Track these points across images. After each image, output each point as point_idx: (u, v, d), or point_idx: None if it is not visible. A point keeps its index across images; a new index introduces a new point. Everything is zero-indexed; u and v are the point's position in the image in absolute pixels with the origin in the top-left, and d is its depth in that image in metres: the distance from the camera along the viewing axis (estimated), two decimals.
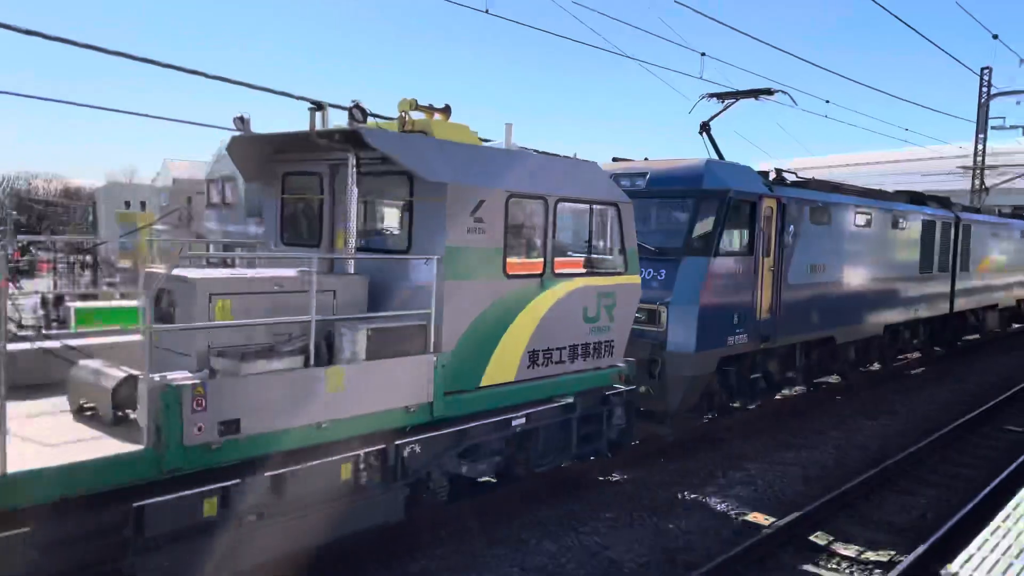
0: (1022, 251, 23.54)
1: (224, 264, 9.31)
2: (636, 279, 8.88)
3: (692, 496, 9.08)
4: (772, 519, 8.36)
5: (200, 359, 5.71)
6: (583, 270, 8.30)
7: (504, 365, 7.39)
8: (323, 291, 6.28)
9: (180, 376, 5.32)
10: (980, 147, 31.76)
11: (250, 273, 6.58)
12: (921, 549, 7.34)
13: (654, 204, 10.70)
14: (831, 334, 13.79)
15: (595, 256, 8.51)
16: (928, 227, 17.24)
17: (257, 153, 7.96)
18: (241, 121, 7.48)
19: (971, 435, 12.40)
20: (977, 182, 31.79)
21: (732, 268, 11.24)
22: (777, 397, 13.63)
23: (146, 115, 29.78)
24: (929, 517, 8.79)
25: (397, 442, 6.54)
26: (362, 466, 6.33)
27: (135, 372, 5.50)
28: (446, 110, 7.70)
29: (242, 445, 5.47)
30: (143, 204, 59.42)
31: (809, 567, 7.45)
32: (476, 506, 7.94)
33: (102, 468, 4.83)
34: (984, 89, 30.97)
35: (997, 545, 5.70)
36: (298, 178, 8.03)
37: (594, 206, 8.42)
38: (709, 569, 6.91)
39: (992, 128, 31.55)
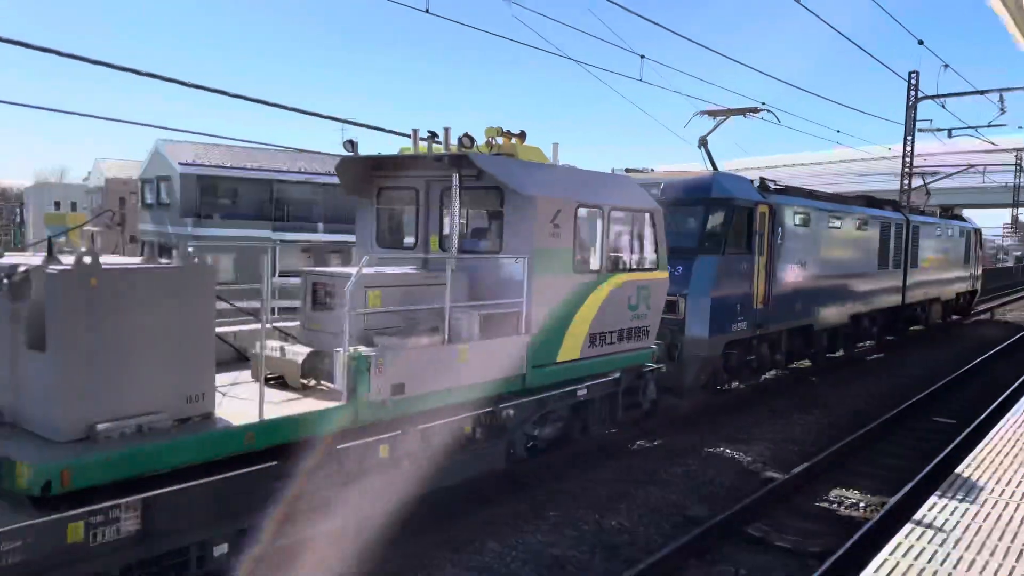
0: (959, 249, 25.96)
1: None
2: (665, 274, 10.46)
3: (634, 492, 9.19)
4: (712, 512, 8.53)
5: (362, 338, 7.07)
6: (630, 267, 9.90)
7: (573, 345, 8.98)
8: (439, 284, 7.69)
9: (366, 349, 6.76)
10: (909, 148, 32.83)
11: (387, 270, 8.16)
12: (852, 540, 7.59)
13: (668, 210, 11.66)
14: (810, 322, 15.69)
15: (636, 255, 10.02)
16: (885, 228, 19.21)
17: (359, 171, 9.43)
18: (351, 144, 8.74)
19: (900, 426, 12.85)
20: (906, 182, 32.86)
21: (736, 265, 13.00)
22: (764, 377, 15.15)
23: (76, 113, 28.86)
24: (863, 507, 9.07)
25: (501, 405, 8.10)
26: (477, 424, 7.99)
27: (318, 349, 7.04)
28: (522, 135, 9.25)
29: (404, 403, 6.96)
30: (73, 205, 57.56)
31: (747, 558, 7.63)
32: (424, 508, 7.91)
33: (319, 418, 6.34)
34: (912, 93, 32.01)
35: (924, 533, 5.92)
36: (393, 192, 9.58)
37: (634, 213, 9.91)
38: (650, 564, 7.02)
39: (919, 130, 32.63)
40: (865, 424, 12.29)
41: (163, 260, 6.02)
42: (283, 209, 38.11)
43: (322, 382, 6.93)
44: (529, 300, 8.26)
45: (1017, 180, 51.53)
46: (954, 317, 26.93)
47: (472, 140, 8.55)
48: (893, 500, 8.84)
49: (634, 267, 9.92)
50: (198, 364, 5.75)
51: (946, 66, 25.47)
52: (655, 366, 10.58)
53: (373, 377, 6.61)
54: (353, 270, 7.17)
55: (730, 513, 8.29)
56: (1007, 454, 8.04)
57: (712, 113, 15.38)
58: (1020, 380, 15.84)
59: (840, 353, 18.14)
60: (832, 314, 16.65)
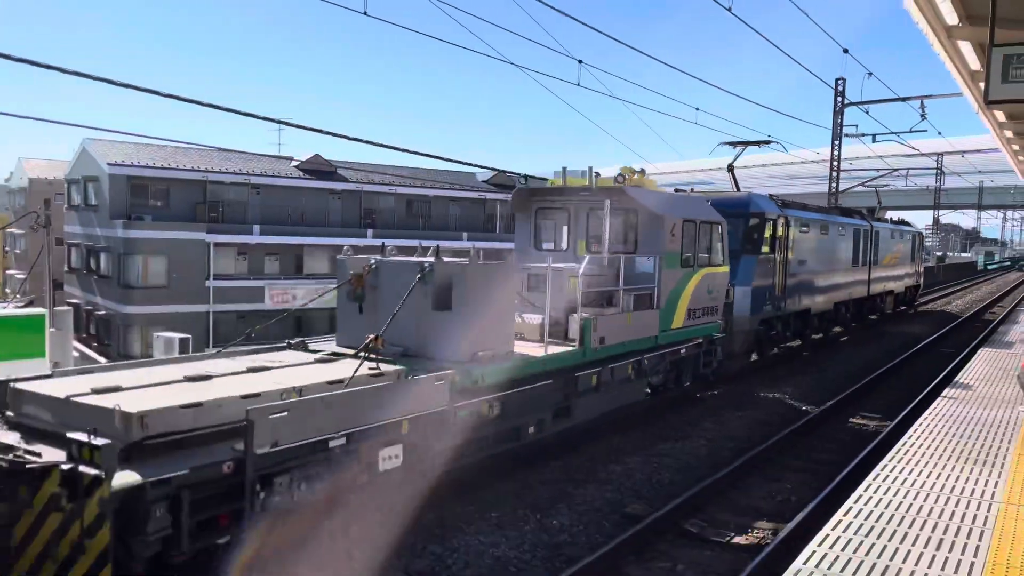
0: (907, 250, 30.58)
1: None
2: (727, 269, 14.42)
3: (575, 491, 9.31)
4: (650, 509, 8.69)
5: (567, 309, 10.68)
6: (708, 263, 13.63)
7: (679, 317, 12.86)
8: (604, 275, 11.51)
9: (587, 314, 10.53)
10: (836, 152, 33.91)
11: (560, 264, 11.22)
12: (784, 532, 7.83)
13: None
14: (809, 307, 20.15)
15: (711, 255, 13.70)
16: (856, 233, 23.51)
17: (524, 197, 13.43)
18: (525, 178, 12.24)
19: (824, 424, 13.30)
20: (834, 185, 33.93)
21: (766, 263, 17.16)
22: (774, 351, 19.23)
23: None
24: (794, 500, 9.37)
25: (644, 356, 11.80)
26: (633, 368, 11.52)
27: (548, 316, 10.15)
28: (643, 171, 13.05)
29: (605, 349, 10.85)
30: None
31: (684, 554, 7.80)
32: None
33: (569, 356, 10.23)
34: (838, 99, 33.08)
35: (851, 524, 6.16)
36: (548, 211, 13.33)
37: (712, 224, 13.63)
38: (590, 561, 7.12)
39: (846, 135, 33.74)
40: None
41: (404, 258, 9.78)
42: (217, 210, 37.28)
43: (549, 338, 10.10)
44: (658, 285, 12.16)
45: (938, 183, 53.70)
46: (901, 308, 31.27)
47: (625, 177, 12.44)
48: (824, 493, 9.15)
49: (710, 263, 13.63)
50: (508, 325, 9.56)
51: (870, 74, 26.47)
52: (720, 335, 14.38)
53: (592, 332, 10.44)
54: (560, 265, 11.02)
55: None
56: (928, 446, 8.39)
57: (733, 144, 20.63)
58: (938, 379, 16.54)
59: (819, 336, 22.35)
60: (822, 301, 21.08)
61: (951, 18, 11.99)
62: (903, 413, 13.32)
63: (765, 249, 17.06)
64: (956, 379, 12.46)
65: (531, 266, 11.32)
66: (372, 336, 8.11)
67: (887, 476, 7.34)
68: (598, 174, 12.22)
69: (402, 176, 42.33)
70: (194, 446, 6.09)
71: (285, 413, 6.21)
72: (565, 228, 13.04)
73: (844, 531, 5.97)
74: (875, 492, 6.88)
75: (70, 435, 5.56)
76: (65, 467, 5.46)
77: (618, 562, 7.42)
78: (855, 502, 6.63)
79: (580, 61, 15.72)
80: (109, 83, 9.84)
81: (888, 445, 9.62)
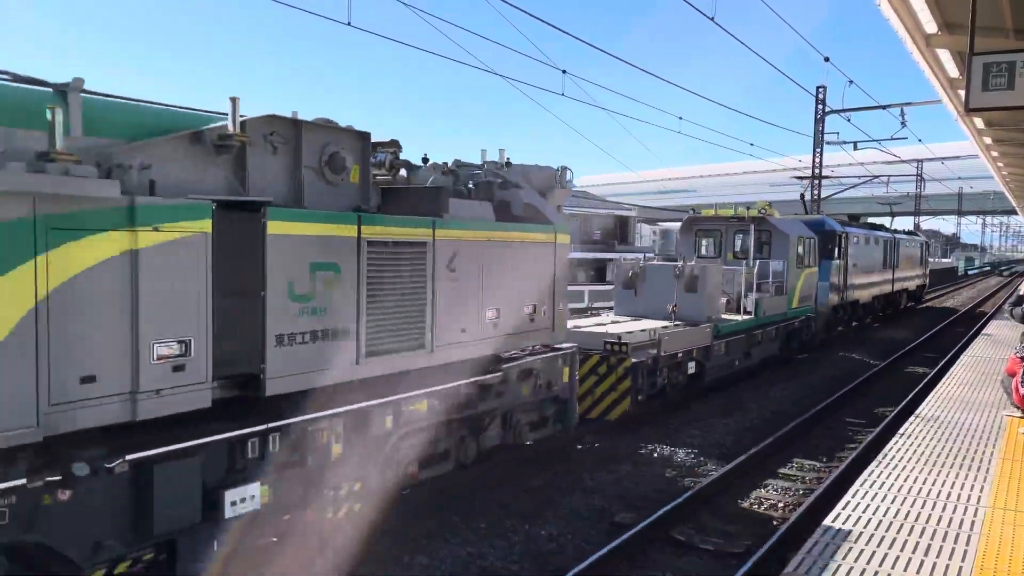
0: (917, 255, 35.94)
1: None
2: (816, 269, 20.28)
3: (562, 499, 9.27)
4: (638, 518, 8.66)
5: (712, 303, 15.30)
6: (807, 265, 19.74)
7: (795, 301, 18.75)
8: (750, 273, 16.90)
9: (755, 296, 16.73)
10: (818, 160, 34.20)
11: (721, 266, 16.53)
12: (772, 540, 7.83)
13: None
14: (858, 299, 25.58)
15: (809, 259, 19.87)
16: (885, 243, 29.05)
17: (689, 222, 19.88)
18: (694, 210, 17.60)
19: (817, 425, 13.36)
20: (815, 192, 34.20)
21: (837, 266, 22.83)
22: (839, 329, 24.36)
23: None
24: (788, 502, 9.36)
25: (778, 324, 17.96)
26: (776, 332, 17.98)
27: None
28: (770, 204, 19.67)
29: (767, 318, 17.27)
30: None
31: (672, 562, 7.78)
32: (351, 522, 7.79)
33: (750, 321, 16.50)
34: (819, 107, 33.38)
35: (839, 531, 6.16)
36: (706, 231, 19.54)
37: (808, 238, 19.76)
38: (579, 571, 7.08)
39: (827, 143, 34.04)
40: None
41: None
42: None
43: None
44: (785, 280, 18.18)
45: (918, 190, 54.25)
46: (911, 304, 36.24)
47: (769, 215, 18.92)
48: (810, 499, 9.16)
49: (808, 266, 19.55)
50: (720, 301, 15.64)
51: (851, 82, 26.71)
52: (813, 315, 20.23)
53: (761, 307, 16.72)
54: (733, 267, 17.11)
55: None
56: (914, 451, 8.43)
57: (801, 178, 30.34)
58: (920, 384, 16.65)
59: (866, 320, 28.40)
60: (865, 295, 26.47)
61: (930, 27, 12.14)
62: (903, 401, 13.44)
63: (836, 256, 22.75)
64: (939, 384, 12.54)
65: (692, 266, 15.58)
66: (672, 304, 14.30)
67: (874, 481, 7.36)
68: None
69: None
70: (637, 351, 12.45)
71: (668, 337, 13.18)
72: (720, 243, 19.26)
73: (833, 537, 5.98)
74: (862, 498, 6.90)
75: (607, 340, 12.33)
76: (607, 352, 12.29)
77: (609, 571, 7.38)
78: (843, 508, 6.64)
79: (564, 71, 15.78)
80: (97, 95, 9.73)
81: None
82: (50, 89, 5.43)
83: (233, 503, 5.95)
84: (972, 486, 7.30)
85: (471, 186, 9.01)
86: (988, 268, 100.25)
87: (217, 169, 6.15)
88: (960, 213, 79.30)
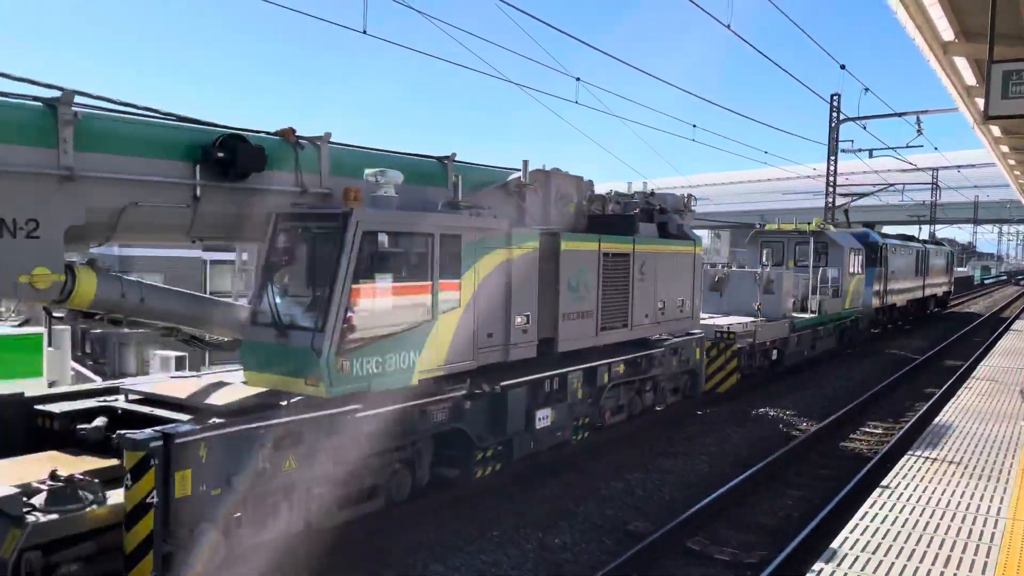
0: (943, 264, 38.19)
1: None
2: (864, 276, 23.56)
3: (576, 508, 9.23)
4: (653, 527, 8.62)
5: (789, 296, 19.25)
6: (856, 272, 23.07)
7: (848, 303, 22.15)
8: (811, 279, 20.42)
9: (819, 297, 20.23)
10: (832, 168, 34.00)
11: (791, 273, 19.71)
12: (788, 549, 7.76)
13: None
14: (895, 302, 28.36)
15: (858, 266, 23.16)
16: (917, 253, 31.66)
17: (756, 235, 23.30)
18: (759, 224, 22.25)
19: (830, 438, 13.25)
20: (830, 200, 34.01)
21: (879, 273, 25.47)
22: (877, 329, 27.39)
23: None
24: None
25: (837, 322, 21.73)
26: (833, 326, 21.37)
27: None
28: (827, 221, 25.74)
29: (827, 316, 20.74)
30: None
31: (688, 572, 7.73)
32: (365, 531, 7.80)
33: (814, 319, 19.83)
34: (834, 114, 33.21)
35: (858, 541, 6.10)
36: (769, 243, 21.97)
37: (857, 249, 22.87)
38: None
39: (842, 151, 33.83)
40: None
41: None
42: None
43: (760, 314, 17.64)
44: (840, 284, 21.29)
45: (934, 198, 53.86)
46: (936, 309, 38.62)
47: (821, 225, 22.36)
48: (826, 510, 9.09)
49: (857, 272, 22.88)
50: (791, 301, 19.34)
51: (866, 89, 26.55)
52: (860, 316, 23.51)
53: (824, 306, 20.18)
54: (789, 273, 19.33)
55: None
56: (933, 461, 8.35)
57: (848, 195, 33.80)
58: (937, 395, 16.50)
59: (889, 327, 29.79)
60: (901, 299, 29.27)
61: (947, 34, 12.06)
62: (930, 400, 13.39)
63: (879, 265, 25.47)
64: (957, 394, 12.43)
65: (763, 272, 17.99)
66: (757, 303, 16.80)
67: (892, 492, 7.29)
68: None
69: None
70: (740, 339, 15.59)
71: (760, 328, 16.34)
72: (783, 253, 22.32)
73: (851, 548, 5.92)
74: (881, 508, 6.83)
75: (717, 330, 15.28)
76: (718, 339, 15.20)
77: None
78: (861, 518, 6.58)
79: (578, 79, 15.78)
80: (109, 100, 9.79)
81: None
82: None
83: (540, 419, 9.78)
84: (992, 497, 7.22)
85: (637, 211, 12.14)
86: (1004, 277, 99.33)
87: (512, 206, 10.04)
88: (976, 222, 78.62)
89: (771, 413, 14.87)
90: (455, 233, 8.24)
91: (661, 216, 12.81)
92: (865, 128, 31.42)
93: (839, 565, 5.58)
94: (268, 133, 7.95)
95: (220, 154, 7.15)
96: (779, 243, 22.49)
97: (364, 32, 10.71)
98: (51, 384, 12.11)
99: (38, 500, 5.47)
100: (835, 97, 33.02)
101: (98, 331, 36.43)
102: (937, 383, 18.05)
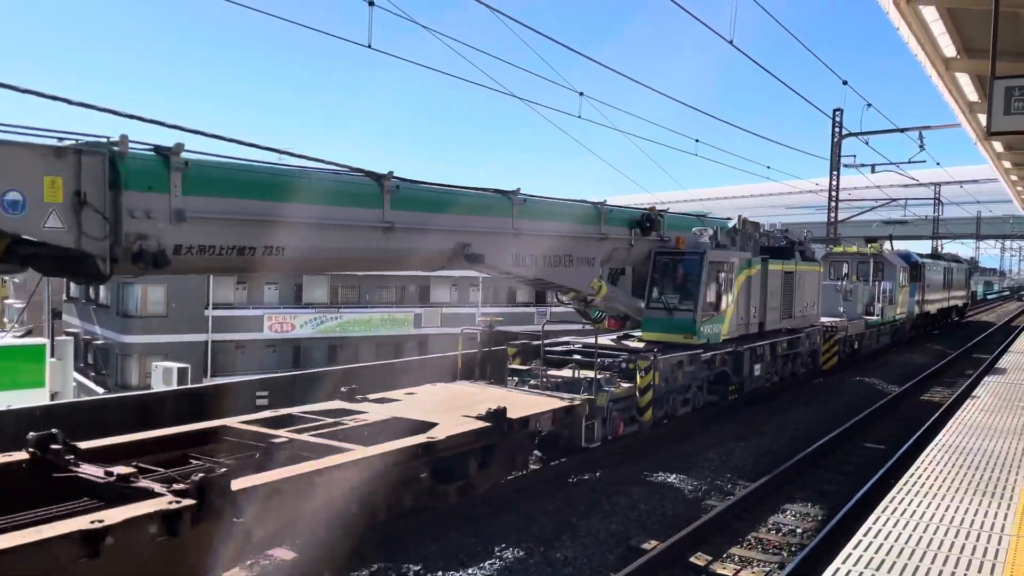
0: (963, 279, 44.72)
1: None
2: (908, 287, 29.52)
3: (578, 523, 9.21)
4: (655, 542, 8.59)
5: (859, 307, 24.96)
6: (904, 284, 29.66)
7: (898, 309, 28.01)
8: (868, 291, 26.41)
9: (880, 304, 26.51)
10: (834, 183, 34.08)
11: (863, 285, 26.21)
12: (796, 560, 7.73)
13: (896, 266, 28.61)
14: (929, 310, 33.77)
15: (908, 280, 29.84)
16: (944, 270, 37.18)
17: (827, 255, 28.35)
18: (829, 247, 28.42)
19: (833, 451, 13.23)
20: (832, 215, 34.07)
21: (918, 286, 30.20)
22: (914, 333, 32.01)
23: None
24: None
25: (892, 324, 27.97)
26: (889, 328, 27.62)
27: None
28: (880, 244, 29.63)
29: (886, 321, 26.66)
30: None
31: None
32: (369, 545, 7.78)
33: (879, 320, 26.04)
34: (836, 130, 33.31)
35: (861, 558, 6.08)
36: (836, 261, 28.50)
37: (904, 268, 28.80)
38: None
39: (845, 166, 33.92)
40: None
41: None
42: None
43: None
44: (892, 295, 26.82)
45: (936, 213, 53.88)
46: (956, 318, 43.69)
47: (880, 246, 28.55)
48: (831, 523, 9.06)
49: (904, 285, 28.16)
50: (861, 305, 25.66)
51: (869, 105, 26.64)
52: (905, 320, 28.45)
53: (886, 312, 26.32)
54: (862, 285, 25.92)
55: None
56: (936, 478, 8.32)
57: (888, 223, 41.63)
58: (943, 406, 16.46)
59: (922, 331, 34.52)
60: (933, 308, 34.58)
61: (949, 51, 12.11)
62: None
63: (919, 280, 30.63)
64: (961, 410, 12.40)
65: (844, 285, 24.20)
66: (841, 307, 22.43)
67: (895, 508, 7.26)
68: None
69: None
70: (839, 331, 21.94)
71: (849, 325, 22.60)
72: (846, 270, 27.71)
73: (855, 564, 5.89)
74: (884, 524, 6.80)
75: (824, 324, 20.82)
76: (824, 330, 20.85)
77: None
78: (864, 535, 6.55)
79: (581, 93, 15.86)
80: (116, 114, 9.85)
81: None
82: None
83: (755, 370, 15.89)
84: (996, 514, 7.19)
85: (783, 243, 18.21)
86: (1007, 293, 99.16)
87: (735, 242, 15.50)
88: (978, 237, 78.53)
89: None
90: (732, 261, 14.86)
91: (799, 247, 18.63)
92: (867, 143, 31.54)
93: None
94: (637, 208, 14.69)
95: (646, 223, 14.09)
96: (843, 262, 28.32)
97: (369, 46, 10.77)
98: (53, 396, 12.13)
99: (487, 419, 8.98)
100: (837, 112, 33.13)
101: (100, 342, 36.47)
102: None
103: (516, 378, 12.56)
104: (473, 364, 13.55)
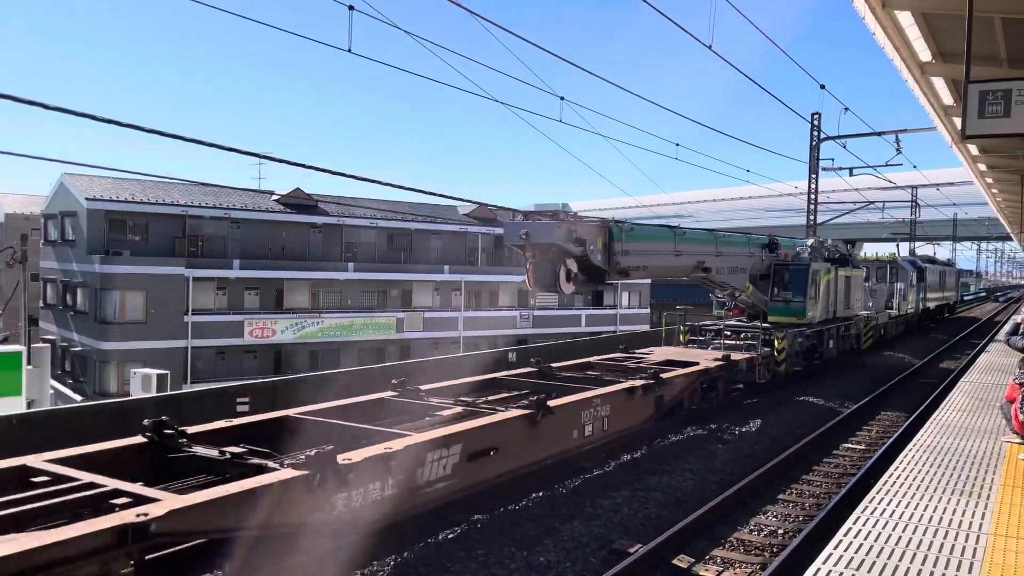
0: (954, 281, 51.37)
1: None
2: (916, 286, 36.19)
3: (561, 527, 9.21)
4: (638, 544, 8.60)
5: (880, 303, 31.12)
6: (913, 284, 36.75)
7: (909, 305, 34.74)
8: (886, 291, 32.45)
9: (899, 297, 33.75)
10: (813, 186, 34.35)
11: (884, 286, 32.58)
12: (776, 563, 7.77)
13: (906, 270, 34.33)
14: (928, 307, 38.74)
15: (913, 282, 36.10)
16: (939, 273, 42.93)
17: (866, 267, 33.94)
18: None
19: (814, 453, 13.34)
20: (811, 218, 34.33)
21: (921, 287, 36.37)
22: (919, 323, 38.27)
23: None
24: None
25: (905, 316, 34.53)
26: (916, 315, 37.51)
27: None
28: (892, 254, 45.41)
29: (892, 315, 32.45)
30: None
31: None
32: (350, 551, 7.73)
33: (906, 315, 35.16)
34: (815, 133, 33.59)
35: (841, 558, 6.12)
36: (872, 269, 33.49)
37: (911, 271, 35.13)
38: None
39: (823, 169, 34.19)
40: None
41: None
42: (197, 245, 37.03)
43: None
44: (905, 293, 33.55)
45: (913, 216, 54.47)
46: (947, 315, 48.98)
47: (894, 257, 39.17)
48: (814, 523, 9.11)
49: (912, 286, 34.48)
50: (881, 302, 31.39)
51: (846, 109, 26.91)
52: (912, 313, 35.00)
53: (909, 305, 34.44)
54: (884, 286, 32.28)
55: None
56: (915, 478, 8.40)
57: (896, 234, 54.82)
58: (919, 409, 16.63)
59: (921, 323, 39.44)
60: (931, 305, 39.74)
61: (924, 55, 12.25)
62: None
63: (922, 282, 35.90)
64: (938, 411, 12.53)
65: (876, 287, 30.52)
66: (870, 303, 27.75)
67: (875, 509, 7.32)
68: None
69: (383, 210, 42.30)
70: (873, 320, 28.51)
71: (878, 315, 28.77)
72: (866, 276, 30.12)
73: (835, 564, 5.93)
74: (864, 525, 6.85)
75: (863, 317, 26.42)
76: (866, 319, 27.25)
77: None
78: (844, 535, 6.59)
79: (562, 98, 15.90)
80: (91, 118, 9.78)
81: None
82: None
83: (829, 345, 22.14)
84: (974, 513, 7.26)
85: (837, 255, 23.68)
86: (984, 294, 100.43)
87: (816, 255, 22.49)
88: (955, 239, 79.51)
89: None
90: (822, 268, 21.00)
91: (850, 257, 24.82)
92: (845, 147, 31.79)
93: None
94: (759, 236, 21.27)
95: (773, 245, 20.65)
96: (865, 267, 31.42)
97: (349, 51, 10.75)
98: (30, 404, 11.99)
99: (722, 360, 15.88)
100: (815, 116, 33.40)
101: (77, 348, 36.08)
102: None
103: (694, 346, 18.98)
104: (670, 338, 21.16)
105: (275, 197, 40.85)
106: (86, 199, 34.67)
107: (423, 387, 11.34)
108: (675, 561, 8.36)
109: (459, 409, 10.45)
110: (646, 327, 48.32)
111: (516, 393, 12.09)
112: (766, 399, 17.44)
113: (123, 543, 5.43)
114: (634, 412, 12.32)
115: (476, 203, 30.07)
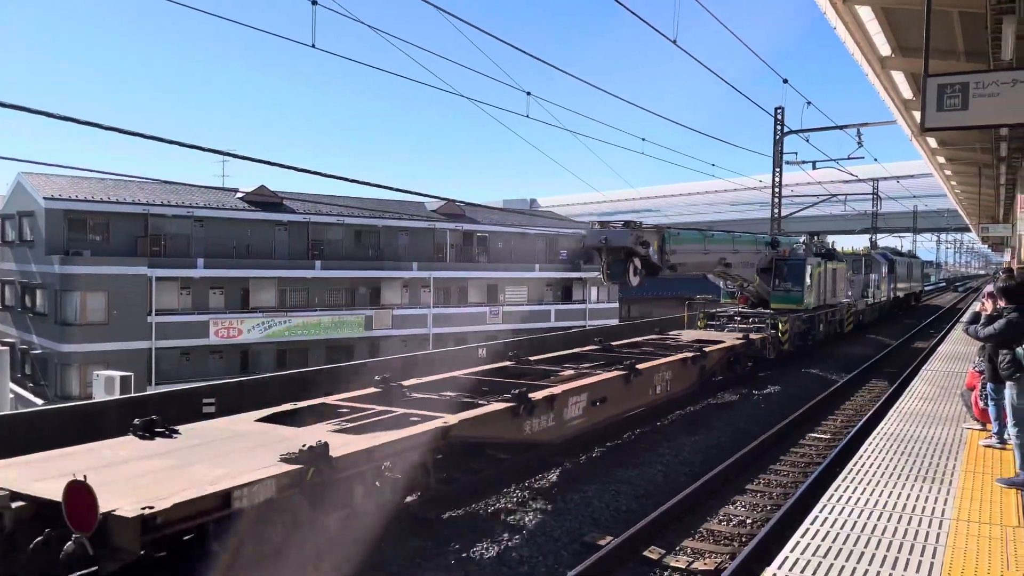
0: (919, 273, 54.03)
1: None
2: (887, 278, 38.78)
3: (533, 521, 9.22)
4: (609, 537, 8.65)
5: (859, 292, 32.20)
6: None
7: (883, 293, 38.02)
8: (863, 281, 33.34)
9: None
10: (777, 179, 34.76)
11: (862, 277, 32.47)
12: (743, 554, 7.86)
13: (880, 261, 36.26)
14: (898, 295, 41.10)
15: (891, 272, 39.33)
16: (907, 264, 45.99)
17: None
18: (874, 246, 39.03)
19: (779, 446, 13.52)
20: (776, 211, 34.76)
21: (892, 277, 38.73)
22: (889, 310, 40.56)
23: None
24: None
25: (879, 304, 36.82)
26: (912, 297, 49.67)
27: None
28: (868, 249, 43.13)
29: (869, 303, 34.39)
30: None
31: None
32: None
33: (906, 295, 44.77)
34: (778, 127, 33.98)
35: (808, 545, 6.21)
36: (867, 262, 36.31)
37: (892, 262, 39.71)
38: None
39: (787, 163, 34.61)
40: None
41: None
42: (159, 244, 36.46)
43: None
44: (878, 282, 34.88)
45: (875, 208, 55.39)
46: (914, 303, 51.38)
47: (870, 251, 37.96)
48: (783, 510, 9.23)
49: (884, 276, 36.76)
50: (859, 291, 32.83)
51: (809, 103, 27.33)
52: (885, 301, 37.07)
53: (875, 295, 35.10)
54: (861, 276, 31.70)
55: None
56: (879, 465, 8.54)
57: (868, 230, 57.38)
58: (887, 394, 16.91)
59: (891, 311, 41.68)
60: (900, 293, 42.02)
61: (884, 49, 12.44)
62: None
63: (894, 273, 38.61)
64: (900, 399, 12.76)
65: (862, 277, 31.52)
66: (850, 292, 28.42)
67: (840, 496, 7.43)
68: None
69: (350, 207, 42.07)
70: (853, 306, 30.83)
71: (857, 303, 30.51)
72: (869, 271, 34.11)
73: (803, 552, 6.01)
74: (830, 512, 6.96)
75: (844, 304, 28.25)
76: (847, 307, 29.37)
77: None
78: (811, 523, 6.69)
79: (528, 93, 15.89)
80: (47, 115, 9.57)
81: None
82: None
83: (820, 328, 24.55)
84: (936, 499, 7.41)
85: (823, 250, 25.99)
86: (944, 284, 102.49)
87: (807, 251, 24.86)
88: (915, 231, 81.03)
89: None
90: (815, 262, 23.48)
91: (833, 251, 27.28)
92: (808, 140, 32.24)
93: (790, 571, 5.66)
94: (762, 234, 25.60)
95: (775, 243, 23.64)
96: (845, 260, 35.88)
97: (313, 46, 10.64)
98: None
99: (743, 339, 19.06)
100: (779, 111, 33.79)
101: (37, 351, 35.36)
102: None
103: (712, 329, 21.30)
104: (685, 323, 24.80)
105: (239, 195, 40.37)
106: (44, 198, 33.95)
107: (532, 357, 14.61)
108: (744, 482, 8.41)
109: (571, 371, 13.53)
110: (615, 321, 48.58)
111: (595, 364, 14.85)
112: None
113: (442, 437, 8.78)
114: (686, 378, 15.40)
115: (444, 199, 30.00)
